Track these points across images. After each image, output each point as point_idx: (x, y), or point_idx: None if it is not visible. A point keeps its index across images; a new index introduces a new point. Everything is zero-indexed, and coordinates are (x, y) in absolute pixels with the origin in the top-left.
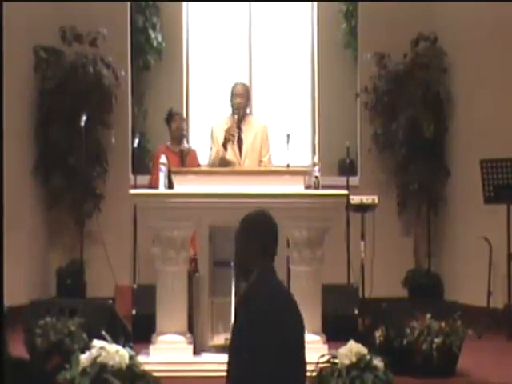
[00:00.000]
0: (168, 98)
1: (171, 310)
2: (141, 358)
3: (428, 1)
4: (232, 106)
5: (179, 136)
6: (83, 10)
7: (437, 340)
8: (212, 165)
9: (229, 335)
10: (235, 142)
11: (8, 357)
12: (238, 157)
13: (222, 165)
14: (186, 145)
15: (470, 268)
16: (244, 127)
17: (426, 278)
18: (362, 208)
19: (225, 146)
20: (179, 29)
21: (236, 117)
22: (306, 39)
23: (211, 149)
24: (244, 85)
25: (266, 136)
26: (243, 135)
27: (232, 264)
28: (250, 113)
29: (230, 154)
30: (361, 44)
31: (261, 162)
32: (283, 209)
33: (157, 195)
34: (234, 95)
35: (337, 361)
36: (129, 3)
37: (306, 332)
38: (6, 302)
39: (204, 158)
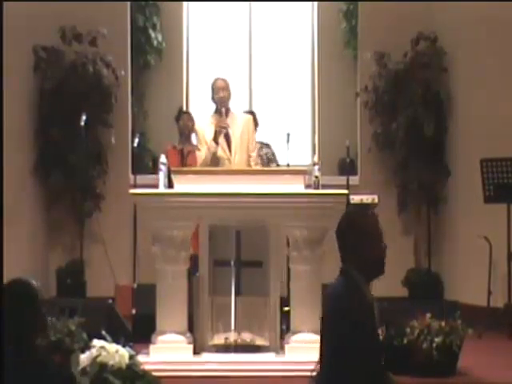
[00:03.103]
0: (168, 98)
1: (171, 310)
2: (141, 358)
3: (428, 0)
4: (215, 101)
5: (186, 134)
6: (83, 10)
7: (437, 339)
8: (204, 162)
9: (229, 335)
10: (223, 140)
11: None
12: (228, 153)
13: (213, 161)
14: (194, 143)
15: (470, 267)
16: (230, 123)
17: (426, 277)
18: (362, 207)
19: (216, 140)
20: (179, 29)
21: (224, 110)
22: (306, 39)
23: (200, 150)
24: (225, 79)
25: (252, 129)
26: (230, 131)
27: (232, 263)
28: (250, 110)
29: (220, 151)
30: (361, 43)
31: (250, 157)
32: (283, 208)
33: (157, 195)
34: (215, 90)
35: None
36: (129, 3)
37: (307, 331)
38: None
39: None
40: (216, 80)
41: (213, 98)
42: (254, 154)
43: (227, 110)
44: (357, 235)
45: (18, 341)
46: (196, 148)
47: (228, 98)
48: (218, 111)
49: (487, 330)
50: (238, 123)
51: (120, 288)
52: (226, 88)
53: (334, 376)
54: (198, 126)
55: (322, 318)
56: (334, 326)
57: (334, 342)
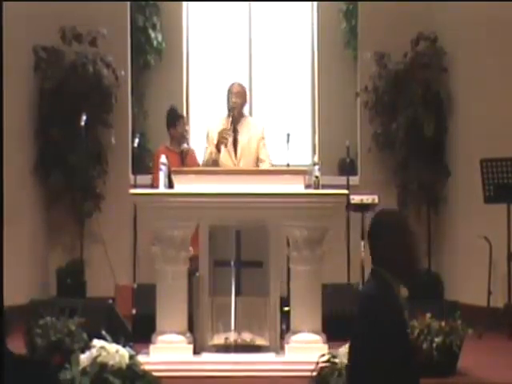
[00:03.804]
0: (168, 98)
1: (171, 310)
2: (141, 358)
3: (428, 0)
4: (228, 105)
5: (181, 138)
6: (83, 10)
7: (437, 339)
8: (205, 166)
9: (229, 335)
10: (230, 144)
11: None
12: (234, 158)
13: (214, 166)
14: (185, 145)
15: (470, 267)
16: (240, 129)
17: (426, 277)
18: (362, 207)
19: (218, 147)
20: (179, 29)
21: (231, 118)
22: (306, 39)
23: (206, 148)
24: (241, 85)
25: (263, 138)
26: (239, 136)
27: (232, 263)
28: (250, 114)
29: (225, 156)
30: (361, 44)
31: (258, 160)
32: (283, 208)
33: (157, 195)
34: (230, 94)
35: (337, 360)
36: (129, 3)
37: (307, 331)
38: (6, 302)
39: (201, 159)
40: (232, 84)
41: (228, 102)
42: (263, 157)
43: (240, 115)
44: (388, 236)
45: None
46: (190, 150)
47: (241, 104)
48: (229, 115)
49: (487, 330)
50: (248, 130)
51: (120, 288)
52: (241, 94)
53: (364, 377)
54: (208, 125)
55: (354, 319)
56: (366, 327)
57: (364, 343)
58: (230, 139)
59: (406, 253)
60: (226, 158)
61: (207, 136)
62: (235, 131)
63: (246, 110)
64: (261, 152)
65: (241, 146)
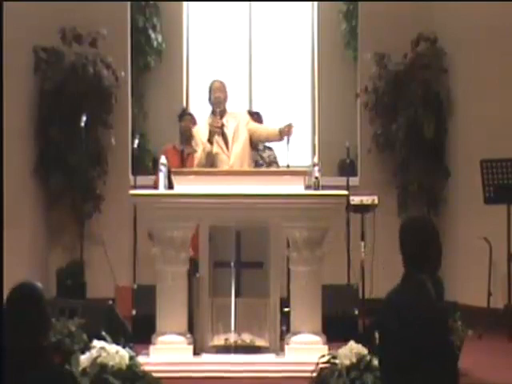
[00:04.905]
0: (168, 99)
1: (171, 311)
2: (141, 359)
3: (428, 1)
4: (211, 102)
5: (187, 136)
6: (83, 10)
7: None
8: (199, 162)
9: (229, 335)
10: (220, 136)
11: None
12: (225, 149)
13: (208, 159)
14: (193, 145)
15: (470, 268)
16: (226, 122)
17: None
18: (362, 208)
19: (210, 140)
20: (179, 29)
21: (218, 110)
22: (306, 39)
23: (196, 151)
24: (221, 81)
25: (249, 118)
26: (226, 130)
27: (232, 264)
28: (256, 111)
29: (217, 149)
30: (361, 44)
31: (252, 143)
32: (283, 209)
33: (156, 196)
34: (212, 91)
35: (337, 361)
36: (129, 3)
37: (307, 332)
38: None
39: None
40: (213, 82)
41: (209, 100)
42: (256, 126)
43: (223, 111)
44: (438, 245)
45: (25, 343)
46: (195, 150)
47: (224, 99)
48: (214, 112)
49: (487, 331)
50: (234, 119)
51: (120, 289)
52: (222, 89)
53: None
54: (194, 128)
55: (403, 329)
56: (440, 336)
57: (444, 348)
58: (219, 135)
59: (440, 251)
60: (218, 150)
61: (195, 139)
62: (222, 125)
63: (245, 108)
64: (254, 127)
65: (230, 134)
